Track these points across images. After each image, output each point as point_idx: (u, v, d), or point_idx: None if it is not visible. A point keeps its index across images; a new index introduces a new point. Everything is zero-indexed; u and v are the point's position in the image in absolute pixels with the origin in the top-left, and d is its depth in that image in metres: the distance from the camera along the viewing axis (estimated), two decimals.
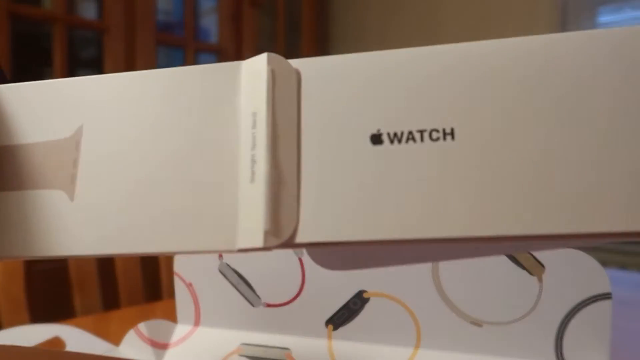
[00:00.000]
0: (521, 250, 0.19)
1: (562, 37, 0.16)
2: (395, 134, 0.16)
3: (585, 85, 0.15)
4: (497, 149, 0.16)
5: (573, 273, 0.33)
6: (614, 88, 0.15)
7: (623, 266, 1.44)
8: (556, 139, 0.15)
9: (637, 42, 0.15)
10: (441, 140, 0.16)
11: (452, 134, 0.16)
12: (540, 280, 0.34)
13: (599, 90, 0.15)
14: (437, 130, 0.16)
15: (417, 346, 0.36)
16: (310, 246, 0.16)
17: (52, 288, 1.23)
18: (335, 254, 0.19)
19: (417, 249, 0.19)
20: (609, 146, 0.15)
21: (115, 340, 0.40)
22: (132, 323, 0.39)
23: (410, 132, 0.16)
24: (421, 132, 0.16)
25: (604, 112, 0.15)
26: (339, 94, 0.17)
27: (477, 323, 0.35)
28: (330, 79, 0.17)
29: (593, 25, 1.52)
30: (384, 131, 0.16)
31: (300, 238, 0.16)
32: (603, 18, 1.52)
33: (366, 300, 0.37)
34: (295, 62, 0.18)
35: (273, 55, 0.17)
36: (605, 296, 0.32)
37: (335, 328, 0.38)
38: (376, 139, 0.16)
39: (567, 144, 0.15)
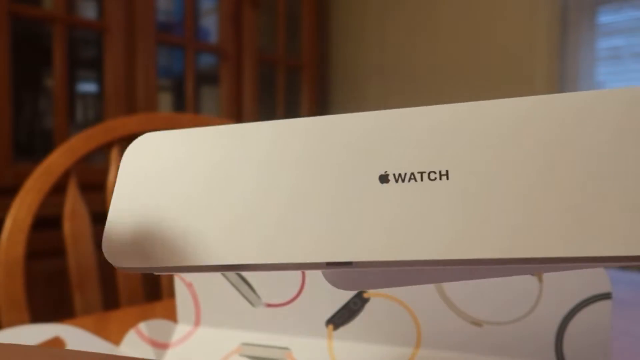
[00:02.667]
0: (502, 274, 0.21)
1: (535, 100, 0.20)
2: (400, 175, 0.20)
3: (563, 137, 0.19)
4: (486, 187, 0.19)
5: (573, 273, 0.33)
6: (586, 140, 0.19)
7: (623, 266, 1.44)
8: (540, 178, 0.19)
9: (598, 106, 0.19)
10: (437, 180, 0.20)
11: (447, 175, 0.20)
12: (540, 280, 0.34)
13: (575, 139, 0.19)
14: (434, 172, 0.20)
15: (417, 346, 0.36)
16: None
17: (52, 288, 1.23)
18: (347, 274, 0.23)
19: (421, 271, 0.22)
20: (585, 185, 0.18)
21: (116, 340, 0.40)
22: (132, 323, 0.39)
23: (412, 174, 0.20)
24: (421, 173, 0.20)
25: (578, 157, 0.19)
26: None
27: (477, 323, 0.35)
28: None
29: (593, 25, 1.52)
30: (390, 172, 0.20)
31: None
32: (603, 18, 1.52)
33: (366, 300, 0.37)
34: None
35: None
36: (606, 296, 0.32)
37: (336, 328, 0.38)
38: (383, 179, 0.20)
39: (550, 182, 0.19)
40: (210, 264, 0.21)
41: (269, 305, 0.39)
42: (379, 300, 0.37)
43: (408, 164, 0.20)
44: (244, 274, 0.40)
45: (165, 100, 1.69)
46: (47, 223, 0.78)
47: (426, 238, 0.19)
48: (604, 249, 0.18)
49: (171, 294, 0.74)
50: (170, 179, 0.23)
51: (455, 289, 0.35)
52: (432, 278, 0.23)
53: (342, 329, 0.38)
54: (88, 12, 1.52)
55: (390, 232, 0.20)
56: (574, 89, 1.50)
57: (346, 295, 0.37)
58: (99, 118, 1.46)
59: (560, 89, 1.50)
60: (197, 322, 0.41)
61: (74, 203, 0.69)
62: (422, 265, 0.19)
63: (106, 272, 0.75)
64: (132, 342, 0.38)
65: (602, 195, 0.18)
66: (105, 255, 0.22)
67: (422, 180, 0.20)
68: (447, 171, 0.20)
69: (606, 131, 0.19)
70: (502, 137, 0.20)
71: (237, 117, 1.64)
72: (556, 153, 0.19)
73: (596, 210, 0.18)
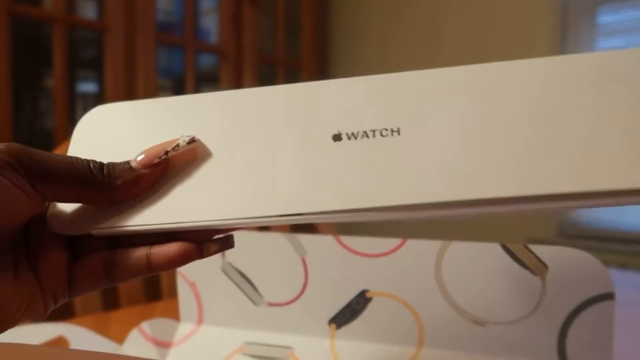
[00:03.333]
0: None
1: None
2: (352, 133, 0.23)
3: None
4: (437, 139, 0.21)
5: (576, 273, 0.33)
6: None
7: (623, 266, 1.44)
8: (482, 131, 0.21)
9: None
10: (389, 136, 0.22)
11: (398, 131, 0.22)
12: (543, 280, 0.34)
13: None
14: (386, 129, 0.22)
15: (419, 345, 0.36)
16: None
17: None
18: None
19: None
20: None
21: (117, 339, 0.40)
22: (132, 323, 0.39)
23: (365, 132, 0.22)
24: (373, 131, 0.22)
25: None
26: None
27: (480, 323, 0.35)
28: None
29: (593, 25, 1.52)
30: (343, 132, 0.23)
31: None
32: (603, 18, 1.52)
33: (369, 299, 0.37)
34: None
35: None
36: (608, 296, 0.32)
37: (338, 327, 0.38)
38: (337, 138, 0.23)
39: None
40: (160, 222, 0.23)
41: (271, 304, 0.39)
42: (381, 299, 0.37)
43: (361, 124, 0.23)
44: (247, 273, 0.40)
45: None
46: None
47: (376, 186, 0.21)
48: (542, 188, 0.19)
49: (171, 294, 0.73)
50: (122, 149, 0.24)
51: (458, 288, 0.35)
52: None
53: (345, 328, 0.38)
54: (88, 12, 1.52)
55: (339, 184, 0.22)
56: None
57: (349, 295, 0.37)
58: None
59: None
60: (199, 321, 0.41)
61: None
62: (367, 212, 0.21)
63: None
64: (136, 341, 0.38)
65: (539, 141, 0.20)
66: (50, 222, 0.24)
67: (374, 137, 0.22)
68: (398, 128, 0.22)
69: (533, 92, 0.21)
70: (451, 98, 0.22)
71: None
72: (490, 112, 0.22)
73: (528, 153, 0.20)
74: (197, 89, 1.61)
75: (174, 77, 1.70)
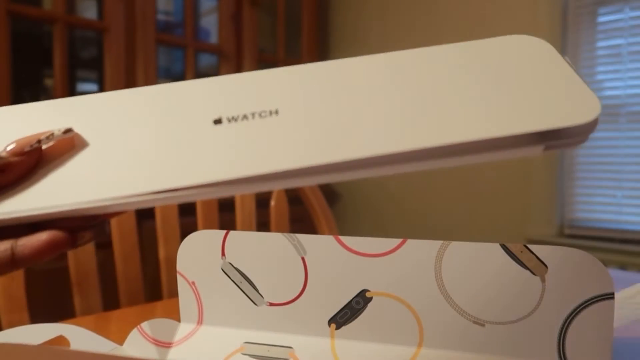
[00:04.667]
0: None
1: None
2: (232, 117, 0.24)
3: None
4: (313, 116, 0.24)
5: (576, 273, 0.33)
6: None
7: (623, 266, 1.44)
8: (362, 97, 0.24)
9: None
10: (268, 117, 0.23)
11: (276, 112, 0.24)
12: (543, 280, 0.34)
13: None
14: (265, 111, 0.24)
15: (419, 345, 0.36)
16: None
17: (52, 288, 1.23)
18: None
19: None
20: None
21: (117, 339, 0.40)
22: (133, 323, 0.39)
23: (244, 115, 0.24)
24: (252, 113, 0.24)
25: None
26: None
27: (480, 322, 0.35)
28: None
29: (593, 25, 1.52)
30: (223, 116, 0.24)
31: None
32: (603, 18, 1.52)
33: (369, 299, 0.37)
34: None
35: None
36: (608, 296, 0.32)
37: (338, 327, 0.38)
38: (217, 122, 0.24)
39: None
40: (26, 208, 0.23)
41: (271, 304, 0.39)
42: (381, 299, 0.37)
43: (242, 109, 0.24)
44: (247, 273, 0.40)
45: None
46: None
47: (251, 157, 0.22)
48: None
49: (171, 294, 0.74)
50: None
51: (458, 288, 0.35)
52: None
53: (345, 328, 0.38)
54: (88, 12, 1.52)
55: (216, 159, 0.23)
56: None
57: (349, 295, 0.37)
58: None
59: None
60: (200, 321, 0.41)
61: None
62: (242, 184, 0.22)
63: (106, 272, 0.75)
64: (136, 341, 0.38)
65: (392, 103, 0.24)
66: None
67: (254, 118, 0.24)
68: (277, 109, 0.24)
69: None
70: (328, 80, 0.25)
71: None
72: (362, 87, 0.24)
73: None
74: None
75: (174, 77, 1.70)
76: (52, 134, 0.24)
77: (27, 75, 1.37)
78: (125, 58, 1.39)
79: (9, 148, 0.23)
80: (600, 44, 1.53)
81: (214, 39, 1.72)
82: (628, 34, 1.48)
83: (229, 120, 0.24)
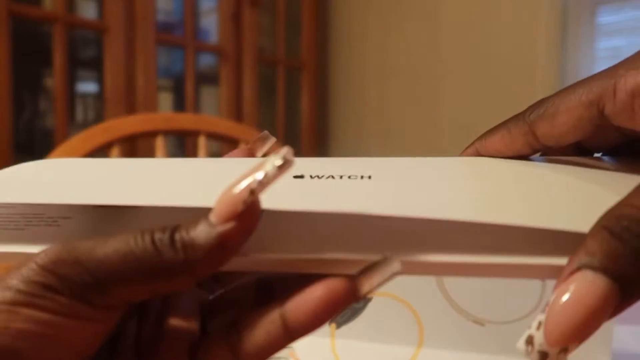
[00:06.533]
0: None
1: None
2: (316, 175, 0.21)
3: None
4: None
5: None
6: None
7: None
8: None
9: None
10: (359, 179, 0.21)
11: (369, 177, 0.21)
12: (543, 280, 0.34)
13: None
14: (355, 175, 0.21)
15: (419, 345, 0.36)
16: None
17: None
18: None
19: None
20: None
21: None
22: None
23: (331, 175, 0.21)
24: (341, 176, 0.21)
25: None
26: None
27: (480, 322, 0.35)
28: None
29: (593, 25, 1.53)
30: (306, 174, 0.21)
31: None
32: (603, 18, 1.52)
33: (369, 299, 0.37)
34: None
35: None
36: None
37: (338, 327, 0.38)
38: (298, 177, 0.21)
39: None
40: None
41: None
42: (381, 299, 0.37)
43: (328, 172, 0.21)
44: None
45: (165, 100, 1.69)
46: None
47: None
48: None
49: None
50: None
51: (457, 288, 0.35)
52: None
53: (345, 328, 0.38)
54: (88, 12, 1.52)
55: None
56: None
57: None
58: (98, 118, 1.46)
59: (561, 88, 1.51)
60: None
61: None
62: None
63: None
64: None
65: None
66: None
67: (340, 179, 0.21)
68: (369, 175, 0.21)
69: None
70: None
71: (237, 116, 1.64)
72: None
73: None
74: (197, 89, 1.61)
75: (174, 77, 1.70)
76: (266, 174, 0.16)
77: (27, 75, 1.37)
78: (125, 58, 1.39)
79: (215, 211, 0.16)
80: (600, 44, 1.53)
81: (213, 39, 1.72)
82: (628, 34, 1.48)
83: (312, 177, 0.21)
